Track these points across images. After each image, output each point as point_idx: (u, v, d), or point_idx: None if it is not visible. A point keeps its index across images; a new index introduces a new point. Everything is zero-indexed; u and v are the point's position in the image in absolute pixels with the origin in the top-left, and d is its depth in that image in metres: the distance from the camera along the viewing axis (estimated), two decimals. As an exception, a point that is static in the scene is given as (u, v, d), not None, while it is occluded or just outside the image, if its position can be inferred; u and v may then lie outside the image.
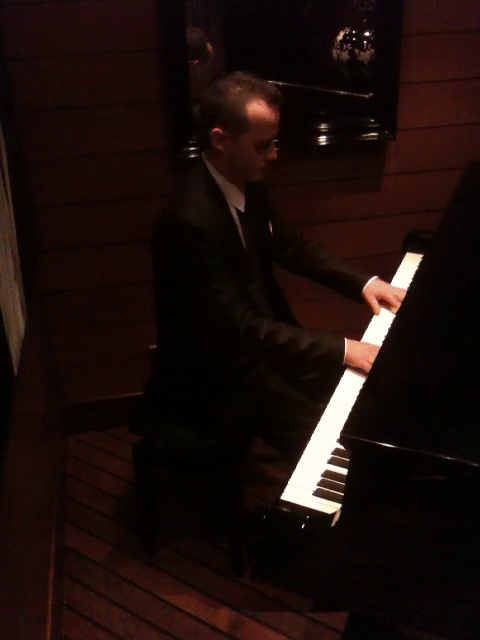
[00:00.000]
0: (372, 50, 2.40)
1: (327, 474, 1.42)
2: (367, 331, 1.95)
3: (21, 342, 1.78)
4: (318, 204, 2.61)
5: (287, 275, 2.21)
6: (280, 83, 2.30)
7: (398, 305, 1.93)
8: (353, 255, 2.16)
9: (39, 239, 2.38)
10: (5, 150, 1.80)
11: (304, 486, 1.39)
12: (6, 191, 1.77)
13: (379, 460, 1.09)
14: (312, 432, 1.57)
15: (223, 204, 1.85)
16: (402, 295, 1.83)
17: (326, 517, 1.27)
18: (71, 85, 2.23)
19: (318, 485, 1.39)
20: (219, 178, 1.84)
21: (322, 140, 2.49)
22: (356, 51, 2.41)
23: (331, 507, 1.32)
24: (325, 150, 2.51)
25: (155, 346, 2.12)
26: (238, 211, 1.90)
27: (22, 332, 1.82)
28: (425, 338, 1.38)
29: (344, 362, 1.79)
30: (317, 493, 1.37)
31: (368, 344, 1.84)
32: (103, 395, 2.76)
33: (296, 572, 1.29)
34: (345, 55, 2.42)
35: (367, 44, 2.41)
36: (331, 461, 1.46)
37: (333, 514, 1.27)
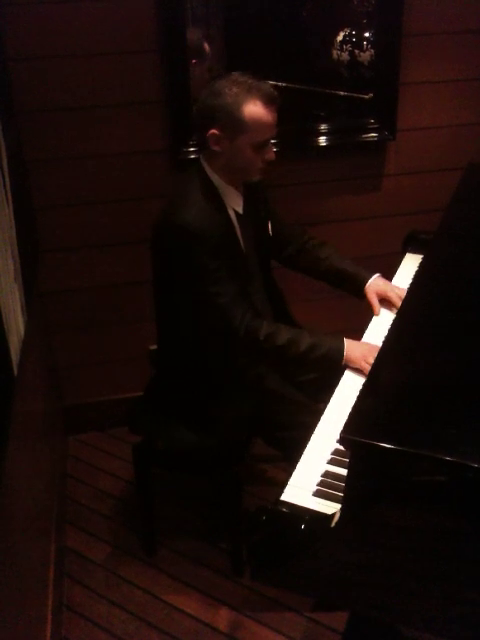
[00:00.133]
0: (372, 51, 2.40)
1: (327, 474, 1.42)
2: (367, 331, 1.95)
3: (21, 342, 1.78)
4: (318, 205, 2.62)
5: (286, 275, 2.21)
6: (280, 83, 2.30)
7: (400, 304, 1.93)
8: (353, 255, 2.16)
9: (39, 239, 2.38)
10: (5, 150, 1.80)
11: (304, 486, 1.39)
12: (6, 191, 1.77)
13: (379, 460, 1.09)
14: (312, 432, 1.57)
15: (221, 206, 1.85)
16: (404, 294, 1.83)
17: (326, 517, 1.27)
18: (71, 85, 2.23)
19: (318, 485, 1.39)
20: (217, 180, 1.84)
21: (322, 140, 2.49)
22: (356, 51, 2.41)
23: (331, 507, 1.32)
24: (325, 150, 2.51)
25: (155, 347, 2.12)
26: (236, 212, 1.90)
27: (22, 332, 1.82)
28: (425, 338, 1.38)
29: (343, 362, 1.79)
30: (317, 493, 1.37)
31: (368, 344, 1.84)
32: (103, 395, 2.76)
33: (296, 572, 1.29)
34: (345, 55, 2.42)
35: (367, 45, 2.41)
36: (331, 461, 1.46)
37: (333, 514, 1.27)
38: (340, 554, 1.23)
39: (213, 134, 1.75)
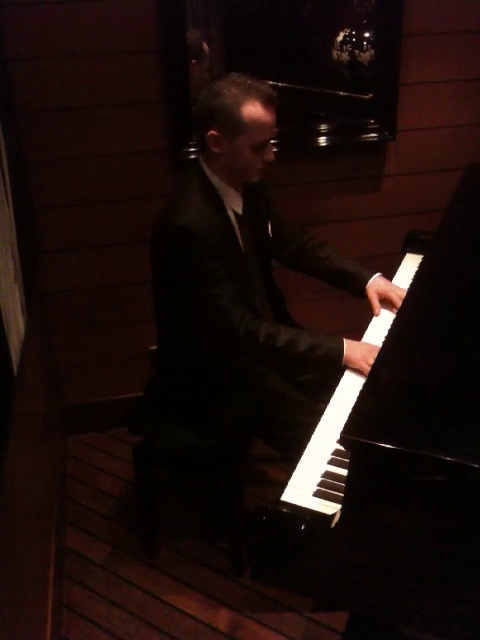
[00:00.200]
0: (372, 51, 2.40)
1: (327, 475, 1.42)
2: (367, 331, 1.95)
3: (21, 342, 1.78)
4: (318, 205, 2.62)
5: (286, 275, 2.21)
6: (280, 84, 2.31)
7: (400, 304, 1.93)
8: (353, 256, 2.16)
9: (39, 239, 2.38)
10: (5, 150, 1.80)
11: (304, 487, 1.39)
12: (6, 191, 1.77)
13: (379, 461, 1.09)
14: (312, 432, 1.57)
15: (220, 207, 1.85)
16: (405, 294, 1.83)
17: (326, 518, 1.27)
18: (71, 85, 2.23)
19: (318, 486, 1.39)
20: (216, 181, 1.84)
21: (322, 141, 2.49)
22: (356, 52, 2.42)
23: (331, 508, 1.32)
24: (325, 151, 2.51)
25: (155, 347, 2.12)
26: (236, 213, 1.90)
27: (22, 332, 1.82)
28: (425, 338, 1.38)
29: (343, 363, 1.79)
30: (317, 494, 1.37)
31: (367, 344, 1.84)
32: (103, 396, 2.76)
33: (296, 572, 1.29)
34: (345, 56, 2.42)
35: (367, 45, 2.41)
36: (331, 462, 1.46)
37: (333, 515, 1.27)
38: (340, 554, 1.23)
39: (212, 135, 1.75)
